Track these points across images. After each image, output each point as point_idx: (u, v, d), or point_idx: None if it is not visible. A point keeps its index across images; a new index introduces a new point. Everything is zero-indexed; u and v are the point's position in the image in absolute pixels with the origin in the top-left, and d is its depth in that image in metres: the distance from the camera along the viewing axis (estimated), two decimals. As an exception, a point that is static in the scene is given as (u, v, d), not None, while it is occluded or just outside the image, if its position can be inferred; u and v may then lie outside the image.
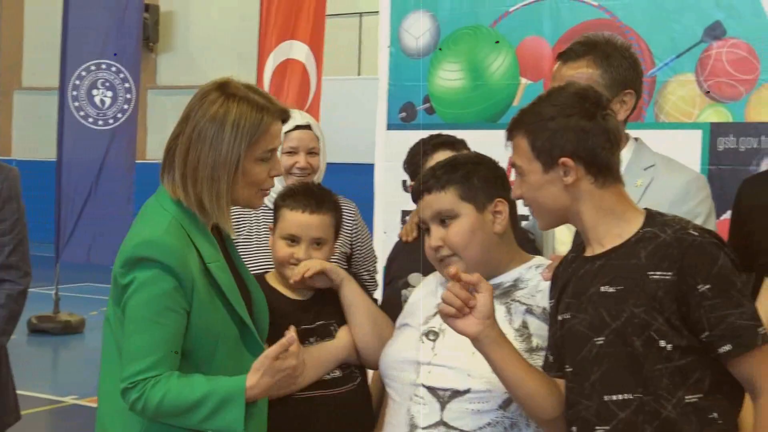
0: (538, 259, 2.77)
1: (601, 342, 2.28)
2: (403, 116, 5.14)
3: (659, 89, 4.49)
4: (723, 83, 4.36)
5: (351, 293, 3.01)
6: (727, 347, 2.19)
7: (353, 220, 3.97)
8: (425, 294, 2.84)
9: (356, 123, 6.53)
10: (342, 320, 3.02)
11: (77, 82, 8.77)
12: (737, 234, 3.42)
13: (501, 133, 2.49)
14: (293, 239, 2.97)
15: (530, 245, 3.11)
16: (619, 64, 3.05)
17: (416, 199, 2.75)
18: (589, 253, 2.39)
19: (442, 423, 2.54)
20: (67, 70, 8.62)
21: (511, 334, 2.55)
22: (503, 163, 2.80)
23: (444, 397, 2.56)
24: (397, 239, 3.68)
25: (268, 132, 2.54)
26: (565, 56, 3.10)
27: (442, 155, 3.22)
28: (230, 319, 2.59)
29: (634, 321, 2.24)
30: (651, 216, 2.36)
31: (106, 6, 8.45)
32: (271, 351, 2.51)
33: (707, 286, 2.19)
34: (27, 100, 18.00)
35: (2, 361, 3.50)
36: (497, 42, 4.86)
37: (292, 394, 2.83)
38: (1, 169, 3.41)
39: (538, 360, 2.55)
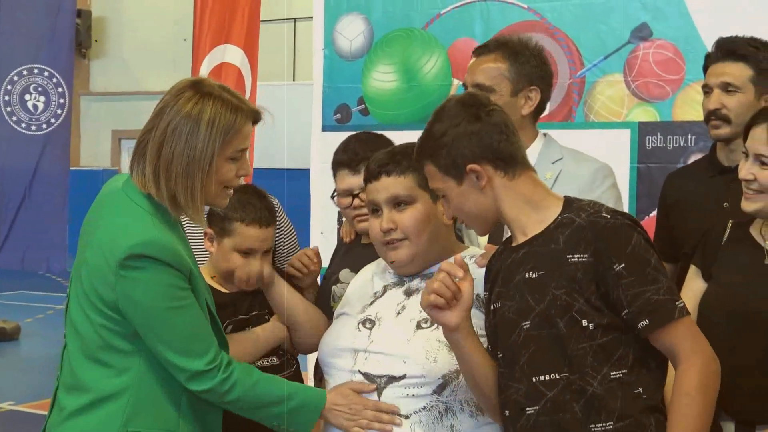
0: (472, 249, 2.83)
1: (528, 326, 2.36)
2: (338, 118, 5.18)
3: (588, 89, 4.59)
4: (650, 83, 4.47)
5: (279, 294, 3.07)
6: (644, 322, 2.28)
7: (282, 215, 4.03)
8: (361, 283, 2.89)
9: (292, 128, 6.55)
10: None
11: (9, 87, 8.67)
12: (662, 226, 3.53)
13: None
14: (248, 252, 3.01)
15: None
16: (527, 61, 3.17)
17: (369, 180, 2.77)
18: (515, 243, 2.47)
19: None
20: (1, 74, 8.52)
21: None
22: None
23: (380, 383, 2.61)
24: (335, 240, 3.72)
25: (240, 132, 2.58)
26: (478, 51, 3.24)
27: None
28: (205, 309, 2.65)
29: (557, 303, 2.32)
30: (568, 202, 2.44)
31: (37, 11, 8.35)
32: (360, 388, 2.65)
33: (622, 266, 2.28)
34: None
35: None
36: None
37: None
38: None
39: None
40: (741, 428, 2.80)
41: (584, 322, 2.30)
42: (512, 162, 2.42)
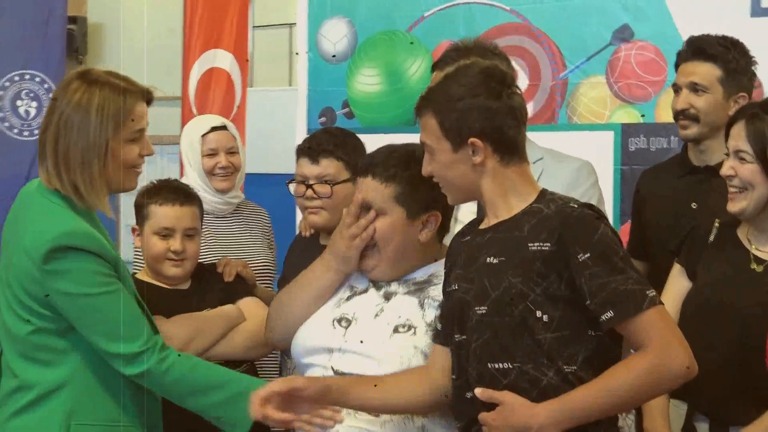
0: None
1: (483, 311, 2.34)
2: (322, 121, 5.18)
3: (571, 91, 4.58)
4: (632, 84, 4.46)
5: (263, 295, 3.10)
6: (608, 314, 2.22)
7: (269, 227, 4.04)
8: (346, 278, 2.85)
9: (286, 133, 6.56)
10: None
11: (1, 93, 8.65)
12: (635, 224, 3.52)
13: (419, 137, 2.52)
14: (166, 233, 3.03)
15: None
16: (498, 60, 3.13)
17: (359, 173, 2.76)
18: (483, 225, 2.46)
19: None
20: (-12, 84, 8.50)
21: (422, 328, 2.62)
22: None
23: None
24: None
25: (133, 113, 2.62)
26: (440, 64, 3.16)
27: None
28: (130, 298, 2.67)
29: (512, 291, 2.29)
30: (542, 194, 2.42)
31: (28, 17, 8.32)
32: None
33: (587, 255, 2.24)
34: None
35: None
36: (411, 43, 4.91)
37: None
38: None
39: None
40: (715, 428, 2.79)
41: (538, 313, 2.27)
42: (513, 150, 2.40)
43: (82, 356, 2.60)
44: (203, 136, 3.95)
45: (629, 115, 4.47)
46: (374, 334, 2.64)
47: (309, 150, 3.21)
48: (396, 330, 2.63)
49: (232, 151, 3.96)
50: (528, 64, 4.62)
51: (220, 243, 3.88)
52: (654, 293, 2.26)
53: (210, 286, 3.14)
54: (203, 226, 3.83)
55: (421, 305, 2.67)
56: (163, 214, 3.06)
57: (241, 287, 3.27)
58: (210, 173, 3.91)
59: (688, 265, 2.92)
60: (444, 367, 2.50)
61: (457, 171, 2.41)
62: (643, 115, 4.44)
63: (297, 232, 3.71)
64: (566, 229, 2.27)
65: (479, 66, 2.47)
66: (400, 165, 2.67)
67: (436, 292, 2.66)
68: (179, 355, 2.63)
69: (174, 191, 3.11)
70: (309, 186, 3.18)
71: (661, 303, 2.27)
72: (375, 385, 2.51)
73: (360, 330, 2.67)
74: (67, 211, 2.59)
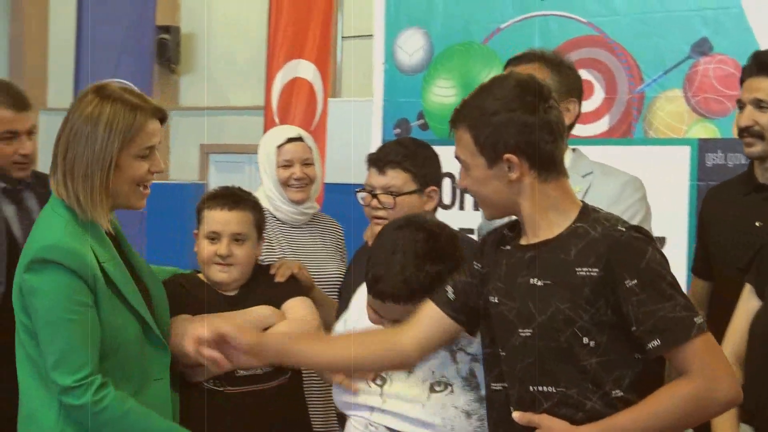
0: None
1: (528, 334, 2.30)
2: (397, 132, 5.18)
3: (648, 105, 4.51)
4: (711, 99, 4.37)
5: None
6: (655, 342, 2.18)
7: (342, 241, 4.06)
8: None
9: (365, 144, 6.60)
10: None
11: (91, 101, 8.90)
12: (700, 243, 3.44)
13: (454, 151, 2.48)
14: (214, 236, 3.05)
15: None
16: (567, 73, 3.16)
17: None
18: (523, 241, 2.40)
19: None
20: (79, 89, 8.69)
21: (458, 385, 2.59)
22: None
23: None
24: None
25: (143, 130, 2.66)
26: (516, 60, 3.16)
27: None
28: (131, 316, 2.68)
29: (559, 317, 2.25)
30: (585, 211, 2.35)
31: (119, 26, 8.52)
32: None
33: (634, 281, 2.19)
34: (52, 120, 18.21)
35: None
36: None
37: (224, 388, 2.94)
38: None
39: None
40: None
41: (585, 339, 2.22)
42: (551, 165, 2.34)
43: None
44: (279, 147, 3.99)
45: (706, 130, 4.38)
46: (411, 394, 2.61)
47: (377, 160, 3.22)
48: (432, 389, 2.60)
49: (307, 163, 3.99)
50: (604, 77, 4.56)
51: (293, 252, 3.91)
52: (702, 320, 2.21)
53: (259, 288, 3.14)
54: (278, 235, 3.86)
55: (454, 359, 2.63)
56: (212, 217, 3.10)
57: (293, 288, 3.26)
58: (285, 184, 3.95)
59: (757, 284, 2.84)
60: (419, 336, 2.46)
61: (493, 187, 2.36)
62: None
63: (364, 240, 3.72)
64: (613, 254, 2.22)
65: (515, 78, 2.40)
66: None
67: (466, 340, 2.61)
68: (116, 399, 2.60)
69: (225, 196, 3.14)
70: (374, 196, 3.18)
71: (707, 330, 2.22)
72: (318, 343, 2.55)
73: (396, 388, 2.64)
74: (64, 223, 2.63)
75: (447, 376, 2.60)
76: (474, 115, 2.34)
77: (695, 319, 2.20)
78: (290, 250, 3.91)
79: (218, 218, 3.09)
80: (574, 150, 3.22)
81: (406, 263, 2.53)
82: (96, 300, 2.61)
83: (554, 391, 2.27)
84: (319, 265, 3.87)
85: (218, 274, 3.10)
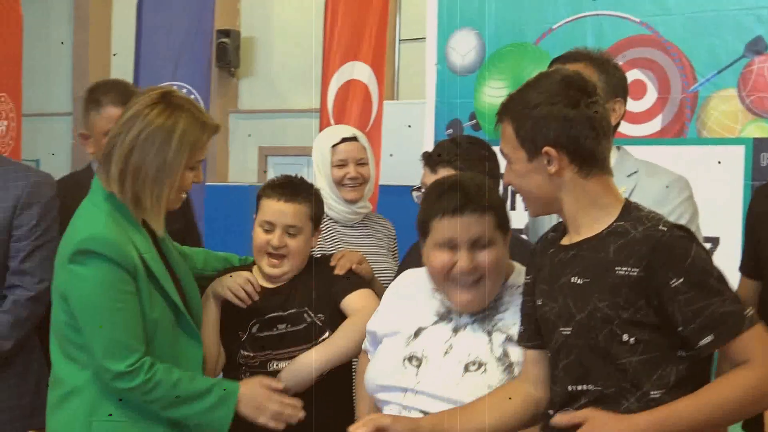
0: (515, 273, 2.76)
1: (568, 333, 2.31)
2: (449, 133, 5.20)
3: (701, 104, 4.48)
4: (765, 98, 4.35)
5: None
6: (708, 338, 2.16)
7: (394, 240, 4.08)
8: (414, 307, 2.81)
9: (418, 146, 6.63)
10: (314, 307, 3.10)
11: (150, 104, 9.02)
12: (749, 242, 3.41)
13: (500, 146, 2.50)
14: (269, 227, 3.06)
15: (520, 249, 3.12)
16: (614, 73, 3.14)
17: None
18: (566, 241, 2.40)
19: None
20: (139, 92, 8.84)
21: (492, 364, 2.60)
22: None
23: None
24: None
25: (204, 146, 2.76)
26: (563, 58, 3.15)
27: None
28: (166, 306, 2.77)
29: (597, 315, 2.24)
30: (627, 208, 2.34)
31: (177, 30, 8.63)
32: (268, 384, 2.86)
33: (680, 280, 2.17)
34: (114, 124, 18.46)
35: (16, 366, 3.46)
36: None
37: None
38: (22, 176, 3.45)
39: None
40: None
41: (624, 337, 2.21)
42: (591, 161, 2.32)
43: None
44: (334, 146, 4.02)
45: (761, 130, 4.34)
46: (446, 374, 2.62)
47: (429, 159, 3.22)
48: (467, 369, 2.61)
49: (361, 163, 4.02)
50: (657, 77, 4.54)
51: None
52: (752, 312, 2.19)
53: (299, 287, 3.14)
54: (331, 234, 3.90)
55: (490, 339, 2.65)
56: (268, 207, 3.10)
57: (352, 282, 3.23)
58: (339, 183, 3.98)
59: None
60: (539, 378, 2.48)
61: (533, 181, 2.35)
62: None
63: None
64: (656, 255, 2.20)
65: (560, 73, 2.39)
66: (492, 192, 2.68)
67: (502, 321, 2.65)
68: (165, 372, 2.70)
69: (284, 186, 3.14)
70: None
71: (759, 321, 2.20)
72: (466, 415, 2.49)
73: (431, 370, 2.65)
74: (105, 215, 2.71)
75: (481, 357, 2.61)
76: (517, 108, 2.35)
77: (745, 312, 2.18)
78: (343, 248, 3.93)
79: (273, 208, 3.09)
80: (619, 149, 3.20)
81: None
82: (137, 289, 2.70)
83: (591, 389, 2.26)
84: (372, 263, 3.89)
85: (268, 268, 3.12)
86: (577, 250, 2.34)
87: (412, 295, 2.85)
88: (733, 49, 4.40)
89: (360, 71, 7.19)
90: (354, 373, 3.26)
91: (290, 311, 3.10)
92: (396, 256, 4.16)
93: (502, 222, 2.65)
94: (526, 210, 2.56)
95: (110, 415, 2.70)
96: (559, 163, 2.31)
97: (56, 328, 2.77)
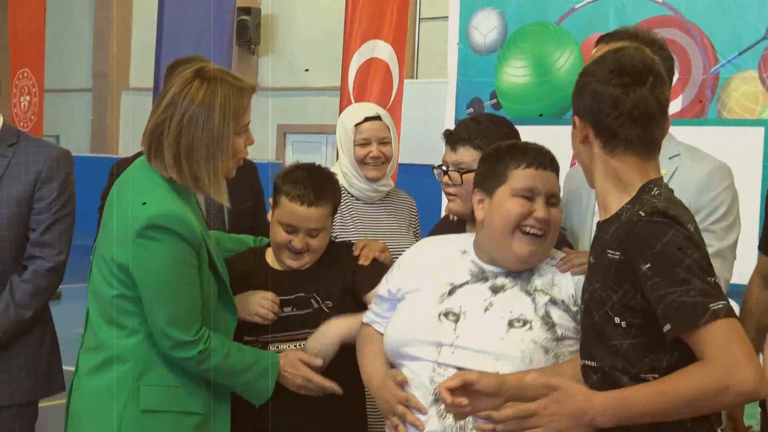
0: (558, 253, 2.82)
1: (582, 309, 2.40)
2: (470, 112, 5.22)
3: (722, 86, 4.50)
4: (786, 80, 4.35)
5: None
6: (667, 326, 2.16)
7: (415, 216, 4.10)
8: (443, 266, 2.82)
9: (438, 124, 6.67)
10: (324, 294, 3.12)
11: (172, 81, 9.05)
12: (767, 219, 3.43)
13: (566, 129, 2.54)
14: (290, 228, 3.08)
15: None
16: (658, 54, 3.07)
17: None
18: (599, 220, 2.45)
19: None
20: (161, 69, 8.84)
21: (537, 323, 2.62)
22: (568, 159, 2.95)
23: None
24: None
25: (246, 109, 2.80)
26: (608, 38, 3.13)
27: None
28: (213, 280, 2.85)
29: (595, 296, 2.30)
30: (640, 192, 2.35)
31: (198, 7, 8.66)
32: (307, 359, 2.98)
33: (648, 266, 2.18)
34: (133, 101, 18.53)
35: (34, 334, 3.55)
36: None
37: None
38: (43, 151, 3.52)
39: (564, 348, 2.61)
40: None
41: (617, 320, 2.24)
42: (612, 140, 2.34)
43: None
44: (357, 125, 4.03)
45: (781, 111, 4.36)
46: (488, 329, 2.63)
47: (450, 137, 3.23)
48: (511, 324, 2.63)
49: (384, 142, 4.03)
50: (679, 58, 4.53)
51: (365, 229, 3.97)
52: (721, 305, 2.13)
53: (310, 273, 3.15)
54: (351, 212, 3.93)
55: (533, 300, 2.68)
56: (289, 210, 3.07)
57: (375, 271, 3.20)
58: (362, 162, 3.99)
59: None
60: None
61: (575, 147, 2.44)
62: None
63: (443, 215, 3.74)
64: (630, 240, 2.23)
65: (620, 53, 2.41)
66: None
67: (541, 282, 2.69)
68: (218, 344, 2.82)
69: (306, 187, 3.09)
70: (446, 172, 3.21)
71: (731, 316, 2.14)
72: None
73: (472, 325, 2.66)
74: (168, 193, 2.77)
75: (525, 315, 2.64)
76: (577, 80, 2.44)
77: (711, 305, 2.13)
78: (363, 227, 3.96)
79: (296, 214, 3.07)
80: None
81: None
82: (199, 264, 2.79)
83: (596, 366, 2.31)
84: (391, 240, 3.91)
85: (289, 261, 3.14)
86: (599, 230, 2.40)
87: (436, 256, 2.86)
88: (755, 31, 4.41)
89: (381, 50, 7.19)
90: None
91: (298, 295, 3.12)
92: (417, 231, 4.19)
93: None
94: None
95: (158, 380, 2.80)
96: (584, 133, 2.38)
97: (102, 297, 2.83)
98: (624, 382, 2.24)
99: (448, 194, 3.21)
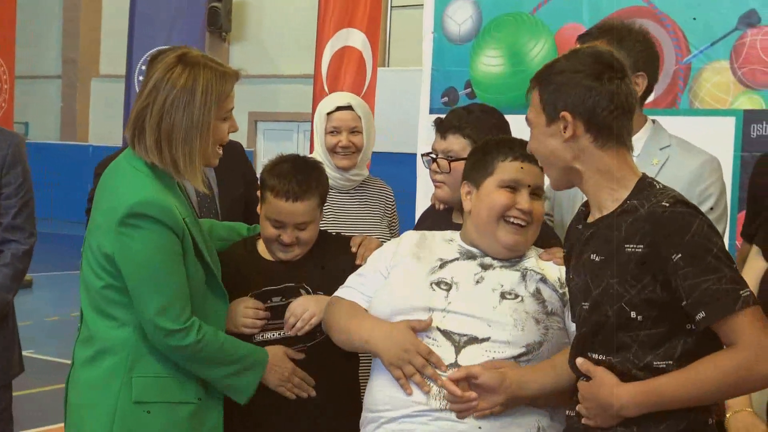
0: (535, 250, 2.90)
1: (586, 307, 2.40)
2: (445, 101, 5.24)
3: (694, 76, 4.54)
4: (757, 70, 4.39)
5: None
6: (701, 314, 2.22)
7: (391, 205, 4.13)
8: (431, 246, 2.90)
9: (412, 113, 6.70)
10: (315, 285, 3.14)
11: (143, 68, 8.98)
12: (749, 208, 3.48)
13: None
14: (278, 224, 3.09)
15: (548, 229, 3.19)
16: (632, 47, 3.12)
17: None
18: (590, 219, 2.47)
19: (456, 365, 2.63)
20: (133, 56, 8.81)
21: (528, 297, 2.70)
22: None
23: (460, 341, 2.65)
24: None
25: (229, 95, 2.81)
26: (582, 38, 3.19)
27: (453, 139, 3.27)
28: (200, 268, 2.86)
29: (609, 291, 2.32)
30: (641, 184, 2.39)
31: (171, -4, 8.63)
32: (292, 354, 3.03)
33: (679, 255, 2.23)
34: (103, 88, 18.44)
35: (9, 318, 3.70)
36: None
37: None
38: (6, 136, 3.63)
39: (553, 323, 2.69)
40: None
41: (633, 314, 2.29)
42: (606, 133, 2.38)
43: None
44: (329, 114, 4.06)
45: (752, 102, 4.40)
46: (481, 298, 2.70)
47: (440, 125, 3.26)
48: (503, 296, 2.70)
49: (355, 131, 4.06)
50: (651, 48, 4.58)
51: (338, 216, 4.00)
52: (749, 293, 2.23)
53: (301, 263, 3.17)
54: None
55: (524, 277, 2.76)
56: (276, 207, 3.08)
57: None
58: (332, 151, 4.02)
59: (764, 246, 2.90)
60: None
61: (550, 146, 2.42)
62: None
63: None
64: (658, 231, 2.26)
65: (593, 49, 2.48)
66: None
67: (531, 264, 2.77)
68: (212, 334, 2.83)
69: (290, 181, 3.08)
70: (434, 159, 3.24)
71: (757, 303, 2.24)
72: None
73: (464, 294, 2.73)
74: (151, 180, 2.78)
75: (516, 289, 2.72)
76: (545, 74, 2.45)
77: (741, 292, 2.22)
78: (333, 216, 4.00)
79: (283, 210, 3.07)
80: (654, 122, 3.25)
81: None
82: (183, 251, 2.80)
83: (603, 358, 2.36)
84: (363, 229, 3.94)
85: (280, 254, 3.15)
86: (596, 228, 2.42)
87: (421, 243, 2.93)
88: (727, 22, 4.44)
89: (354, 38, 7.21)
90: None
91: (286, 285, 3.13)
92: (395, 221, 4.22)
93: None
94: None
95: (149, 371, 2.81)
96: (575, 129, 2.38)
97: (91, 288, 2.83)
98: (633, 372, 2.30)
99: (435, 181, 3.25)
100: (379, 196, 4.20)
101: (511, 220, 2.77)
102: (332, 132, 4.04)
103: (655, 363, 2.29)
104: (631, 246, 2.29)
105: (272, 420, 3.03)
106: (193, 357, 2.80)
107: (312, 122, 4.26)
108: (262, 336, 3.09)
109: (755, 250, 2.93)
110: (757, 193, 3.48)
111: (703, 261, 2.23)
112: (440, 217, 3.34)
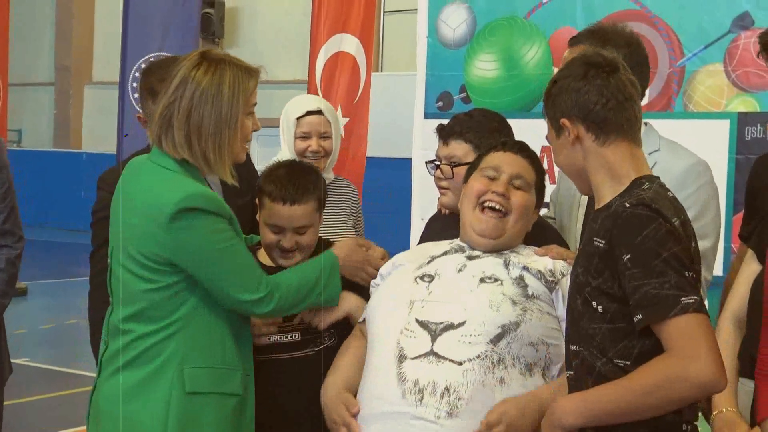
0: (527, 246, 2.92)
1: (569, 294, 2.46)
2: (440, 105, 5.26)
3: (688, 79, 4.56)
4: (751, 73, 4.41)
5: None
6: (638, 316, 2.22)
7: (357, 205, 4.15)
8: (439, 245, 2.94)
9: (407, 117, 6.72)
10: None
11: (137, 74, 8.94)
12: (747, 209, 3.46)
13: (534, 122, 2.62)
14: (277, 228, 3.08)
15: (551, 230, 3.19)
16: (616, 48, 3.09)
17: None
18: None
19: (432, 353, 2.62)
20: (127, 62, 8.80)
21: (508, 281, 2.70)
22: (536, 150, 3.00)
23: (436, 330, 2.64)
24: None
25: (254, 91, 2.82)
26: (571, 41, 3.21)
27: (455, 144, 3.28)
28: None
29: (577, 281, 2.37)
30: (632, 184, 2.39)
31: (163, 1, 8.63)
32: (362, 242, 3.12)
33: (629, 256, 2.23)
34: (97, 95, 18.42)
35: (1, 319, 3.69)
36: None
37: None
38: None
39: (534, 305, 2.68)
40: None
41: (594, 304, 2.31)
42: (604, 127, 2.38)
43: (191, 309, 2.81)
44: (298, 118, 4.07)
45: (746, 104, 4.42)
46: (460, 284, 2.72)
47: (442, 131, 3.26)
48: (482, 280, 2.72)
49: (325, 136, 4.07)
50: (645, 52, 4.60)
51: None
52: (693, 300, 2.19)
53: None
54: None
55: (506, 264, 2.77)
56: (275, 212, 3.07)
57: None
58: (301, 155, 4.02)
59: (758, 249, 2.88)
60: None
61: (564, 156, 2.46)
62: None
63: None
64: (615, 230, 2.28)
65: (581, 55, 2.50)
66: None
67: (518, 258, 2.77)
68: (283, 284, 2.88)
69: (288, 186, 3.07)
70: (438, 166, 3.24)
71: (701, 311, 2.20)
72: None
73: (445, 281, 2.75)
74: (183, 176, 2.79)
75: (497, 274, 2.73)
76: (547, 93, 2.48)
77: (683, 299, 2.19)
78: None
79: (281, 214, 3.06)
80: (646, 124, 3.23)
81: None
82: None
83: (578, 350, 2.37)
84: (330, 233, 3.92)
85: (281, 260, 3.12)
86: (591, 219, 2.46)
87: (422, 248, 3.00)
88: (720, 25, 4.47)
89: (348, 44, 7.21)
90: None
91: None
92: (360, 218, 4.24)
93: (539, 188, 2.85)
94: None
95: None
96: (576, 132, 2.40)
97: (131, 293, 2.82)
98: (598, 366, 2.30)
99: (440, 188, 3.26)
100: (345, 197, 4.22)
101: (486, 203, 2.80)
102: (302, 137, 4.05)
103: (614, 360, 2.29)
104: (597, 240, 2.32)
105: (278, 425, 3.02)
106: (288, 309, 2.90)
107: (280, 125, 4.24)
108: (269, 339, 3.09)
109: (750, 253, 2.93)
110: (754, 195, 3.47)
111: (649, 264, 2.22)
112: (447, 224, 3.34)
